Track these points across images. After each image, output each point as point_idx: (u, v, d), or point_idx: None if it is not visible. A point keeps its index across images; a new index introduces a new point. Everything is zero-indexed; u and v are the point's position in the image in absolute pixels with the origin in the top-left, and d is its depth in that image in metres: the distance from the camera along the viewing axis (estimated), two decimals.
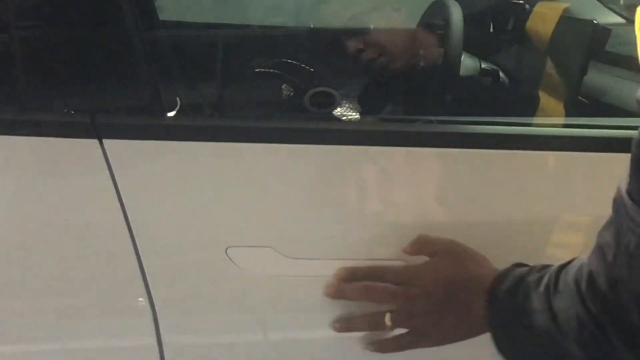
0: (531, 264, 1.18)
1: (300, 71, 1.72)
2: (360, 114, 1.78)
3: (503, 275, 1.16)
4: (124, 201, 1.30)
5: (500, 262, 1.22)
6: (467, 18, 1.75)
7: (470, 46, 1.89)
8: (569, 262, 1.07)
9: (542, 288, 1.06)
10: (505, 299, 1.12)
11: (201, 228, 1.35)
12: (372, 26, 1.78)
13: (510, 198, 1.38)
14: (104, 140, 1.29)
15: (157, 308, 1.35)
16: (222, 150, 1.34)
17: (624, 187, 0.95)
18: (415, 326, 1.25)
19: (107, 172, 1.29)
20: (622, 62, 2.03)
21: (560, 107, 1.84)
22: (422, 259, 1.28)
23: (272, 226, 1.35)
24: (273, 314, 1.39)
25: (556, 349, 1.02)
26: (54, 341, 1.38)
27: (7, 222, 1.33)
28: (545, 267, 1.11)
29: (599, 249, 0.98)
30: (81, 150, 1.30)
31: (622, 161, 1.40)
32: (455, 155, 1.36)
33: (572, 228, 1.42)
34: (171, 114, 1.37)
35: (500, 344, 1.14)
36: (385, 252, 1.34)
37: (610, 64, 2.02)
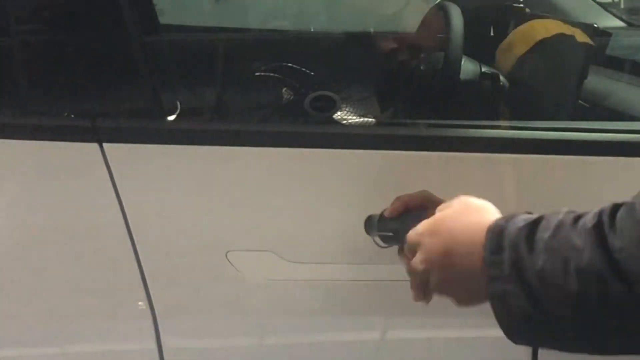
0: None
1: (300, 75, 1.72)
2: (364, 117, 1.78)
3: (511, 215, 0.93)
4: (123, 205, 1.30)
5: None
6: (467, 21, 1.75)
7: (470, 50, 1.89)
8: (622, 203, 0.86)
9: (587, 225, 0.85)
10: (521, 238, 0.88)
11: (201, 232, 1.35)
12: (372, 30, 1.78)
13: (510, 202, 1.38)
14: (104, 144, 1.29)
15: (157, 312, 1.35)
16: (222, 154, 1.34)
17: None
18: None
19: (107, 176, 1.29)
20: (623, 65, 2.03)
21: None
22: None
23: (272, 230, 1.35)
24: (273, 318, 1.39)
25: (600, 290, 0.82)
26: (55, 345, 1.38)
27: (8, 225, 1.33)
28: (572, 212, 0.89)
29: None
30: (81, 154, 1.30)
31: (621, 164, 1.41)
32: (455, 159, 1.36)
33: None
34: (171, 117, 1.37)
35: (502, 298, 0.88)
36: (385, 256, 1.33)
37: (610, 67, 2.02)
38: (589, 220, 0.86)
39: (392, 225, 1.11)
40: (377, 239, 1.13)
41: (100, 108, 1.35)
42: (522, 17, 2.08)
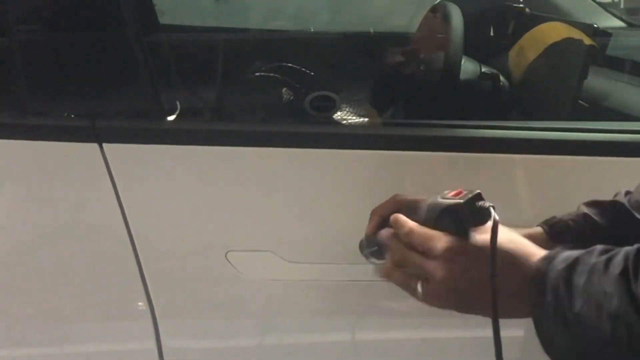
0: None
1: (300, 75, 1.72)
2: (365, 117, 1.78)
3: (551, 255, 0.99)
4: (123, 205, 1.30)
5: None
6: (467, 22, 1.75)
7: (470, 50, 1.89)
8: None
9: (615, 272, 0.92)
10: (560, 282, 0.96)
11: (201, 232, 1.35)
12: (372, 30, 1.78)
13: (509, 202, 1.38)
14: (104, 144, 1.29)
15: (156, 312, 1.35)
16: (222, 154, 1.34)
17: None
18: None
19: (107, 176, 1.29)
20: (623, 65, 2.03)
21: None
22: None
23: (272, 230, 1.35)
24: (272, 318, 1.39)
25: (629, 333, 0.90)
26: (55, 345, 1.38)
27: (8, 225, 1.33)
28: (608, 249, 0.97)
29: None
30: (81, 154, 1.30)
31: (622, 165, 1.41)
32: (455, 159, 1.36)
33: None
34: (171, 118, 1.37)
35: (547, 333, 0.97)
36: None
37: (610, 67, 2.02)
38: (617, 266, 0.93)
39: (376, 240, 1.10)
40: (372, 258, 1.13)
41: (100, 108, 1.35)
42: (522, 17, 2.08)
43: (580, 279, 0.94)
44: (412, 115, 1.76)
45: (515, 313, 1.00)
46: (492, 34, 2.12)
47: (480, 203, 0.98)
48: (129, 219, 1.30)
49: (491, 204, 0.97)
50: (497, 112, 1.80)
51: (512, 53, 1.96)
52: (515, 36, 2.03)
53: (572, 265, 0.96)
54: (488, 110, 1.79)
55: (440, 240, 0.99)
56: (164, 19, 2.08)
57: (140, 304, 1.34)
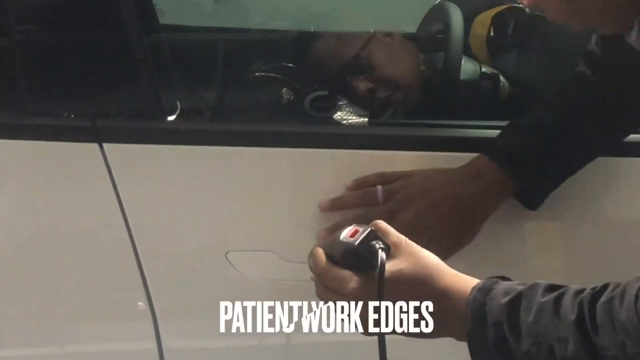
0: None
1: (300, 75, 1.72)
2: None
3: (487, 285, 0.98)
4: (124, 205, 1.30)
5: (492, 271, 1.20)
6: (467, 22, 1.75)
7: (470, 50, 1.89)
8: (602, 289, 0.91)
9: (569, 318, 0.90)
10: (504, 318, 0.94)
11: (201, 232, 1.35)
12: (372, 29, 1.78)
13: (508, 202, 1.38)
14: (104, 144, 1.29)
15: (157, 312, 1.35)
16: (222, 154, 1.34)
17: None
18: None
19: (108, 176, 1.29)
20: None
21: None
22: None
23: (272, 230, 1.35)
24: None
25: None
26: (55, 345, 1.38)
27: (8, 225, 1.33)
28: (553, 286, 0.95)
29: None
30: (82, 154, 1.30)
31: (621, 165, 1.41)
32: (455, 159, 1.36)
33: (564, 233, 1.43)
34: (171, 118, 1.37)
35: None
36: None
37: None
38: (569, 310, 0.91)
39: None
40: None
41: (100, 108, 1.35)
42: (522, 17, 2.08)
43: (526, 318, 0.93)
44: (412, 115, 1.76)
45: (449, 335, 1.02)
46: (492, 34, 2.12)
47: (373, 242, 0.98)
48: (129, 219, 1.30)
49: (380, 245, 0.97)
50: (498, 112, 1.80)
51: (471, 42, 1.98)
52: (515, 36, 2.02)
53: (516, 300, 0.94)
54: (488, 110, 1.78)
55: (350, 281, 1.01)
56: (164, 19, 2.08)
57: (140, 304, 1.34)
